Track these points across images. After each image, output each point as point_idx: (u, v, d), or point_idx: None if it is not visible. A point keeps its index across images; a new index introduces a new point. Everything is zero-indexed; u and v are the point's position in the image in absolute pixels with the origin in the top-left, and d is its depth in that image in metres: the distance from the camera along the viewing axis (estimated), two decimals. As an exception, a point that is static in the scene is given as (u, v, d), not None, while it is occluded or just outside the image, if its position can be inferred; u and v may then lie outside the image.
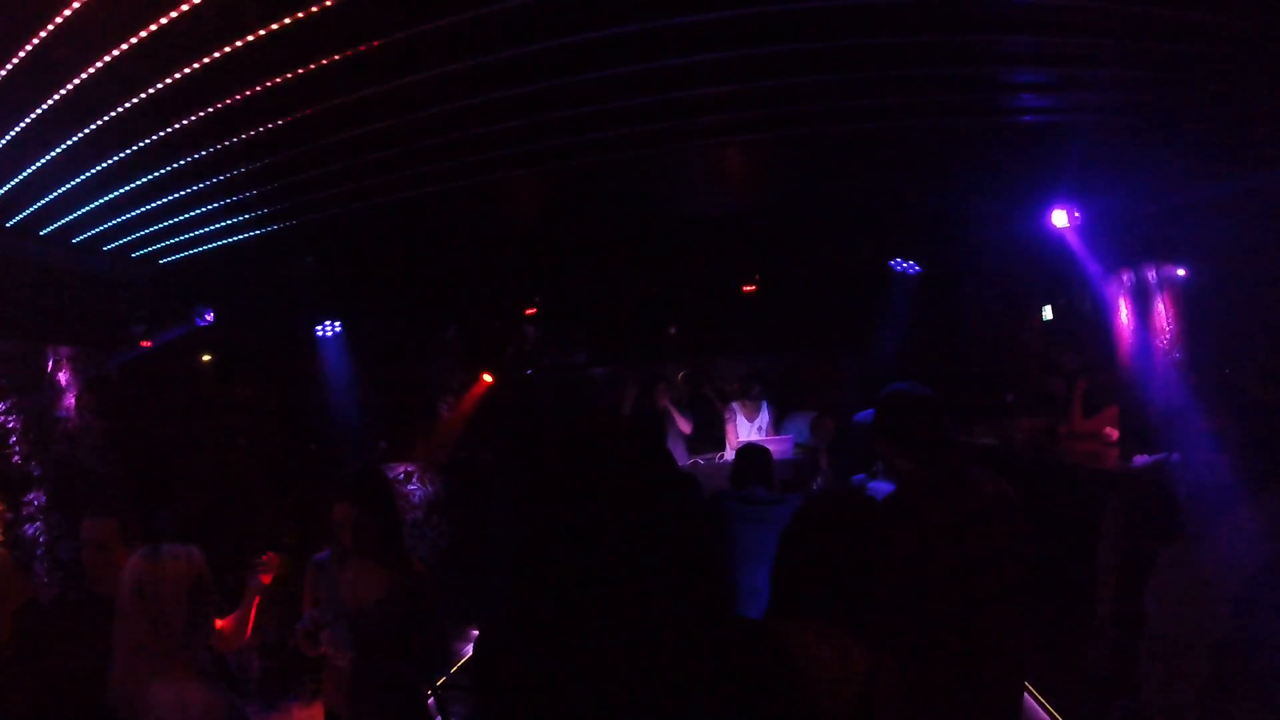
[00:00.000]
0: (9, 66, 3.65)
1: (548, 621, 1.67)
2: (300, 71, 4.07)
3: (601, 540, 1.64)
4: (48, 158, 4.55)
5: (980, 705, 3.57)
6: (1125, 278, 6.18)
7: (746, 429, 9.06)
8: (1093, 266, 6.26)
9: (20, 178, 4.75)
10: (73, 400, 6.33)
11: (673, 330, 11.66)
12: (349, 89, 4.34)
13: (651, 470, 1.75)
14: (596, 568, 1.63)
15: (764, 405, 9.19)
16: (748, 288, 9.55)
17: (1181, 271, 5.89)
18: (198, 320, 6.94)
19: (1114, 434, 7.02)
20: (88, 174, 4.81)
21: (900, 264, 8.81)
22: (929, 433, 3.75)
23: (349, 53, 3.94)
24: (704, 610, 1.69)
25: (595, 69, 4.45)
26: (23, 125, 4.18)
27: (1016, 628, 3.62)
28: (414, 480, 9.37)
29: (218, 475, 7.49)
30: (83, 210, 5.32)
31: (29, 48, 3.54)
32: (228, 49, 3.76)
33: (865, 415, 4.09)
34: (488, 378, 10.41)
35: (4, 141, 4.29)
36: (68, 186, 4.93)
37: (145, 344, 6.84)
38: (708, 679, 1.60)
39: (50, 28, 3.43)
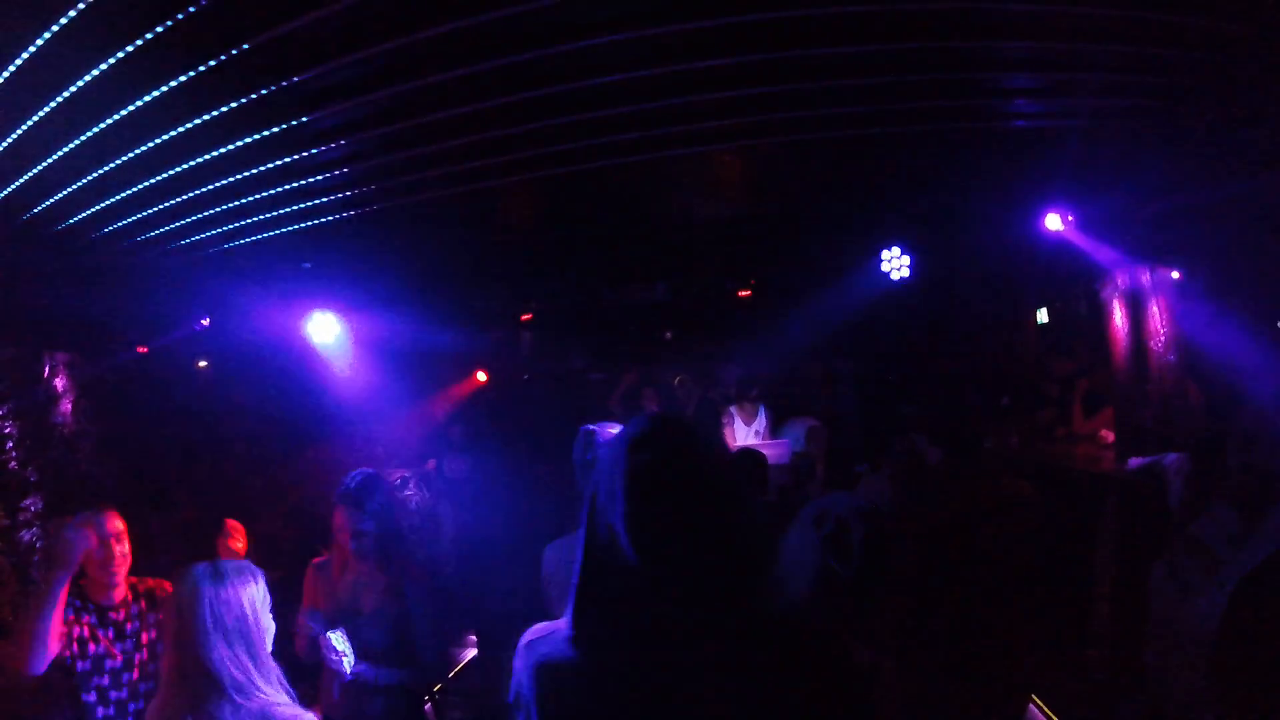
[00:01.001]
0: (10, 68, 3.66)
1: (622, 629, 1.65)
2: (298, 79, 4.08)
3: (682, 545, 1.63)
4: (46, 162, 4.56)
5: (982, 705, 3.58)
6: (1120, 280, 6.19)
7: (744, 433, 9.06)
8: (1087, 269, 6.28)
9: (18, 182, 4.76)
10: (69, 406, 6.32)
11: (669, 335, 11.67)
12: (347, 96, 4.35)
13: (726, 473, 1.74)
14: (674, 573, 1.62)
15: (761, 409, 9.18)
16: (743, 293, 9.57)
17: (1176, 274, 5.91)
18: (194, 325, 6.94)
19: (1110, 436, 7.03)
20: (90, 176, 4.81)
21: (889, 257, 8.76)
22: (962, 427, 3.84)
23: (347, 59, 3.95)
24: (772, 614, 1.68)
25: (590, 76, 4.47)
26: (27, 125, 4.19)
27: (1021, 627, 3.63)
28: (411, 485, 9.36)
29: (214, 480, 7.48)
30: (83, 215, 5.32)
31: (31, 49, 3.55)
32: (223, 55, 3.77)
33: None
34: (481, 376, 10.38)
35: (8, 141, 4.30)
36: (68, 191, 4.94)
37: (141, 349, 6.84)
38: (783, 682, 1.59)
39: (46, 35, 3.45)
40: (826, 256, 9.06)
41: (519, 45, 4.04)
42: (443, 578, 8.83)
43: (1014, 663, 3.67)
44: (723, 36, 4.14)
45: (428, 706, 4.57)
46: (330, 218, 6.03)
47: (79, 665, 3.83)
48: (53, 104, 4.01)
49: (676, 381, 11.42)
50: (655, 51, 4.25)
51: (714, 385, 10.73)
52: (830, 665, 1.66)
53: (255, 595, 2.80)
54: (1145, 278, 6.01)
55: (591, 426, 3.41)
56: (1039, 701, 5.69)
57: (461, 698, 6.68)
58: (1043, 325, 9.26)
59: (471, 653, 7.54)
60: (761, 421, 9.15)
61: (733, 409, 9.25)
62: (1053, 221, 6.12)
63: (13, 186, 4.83)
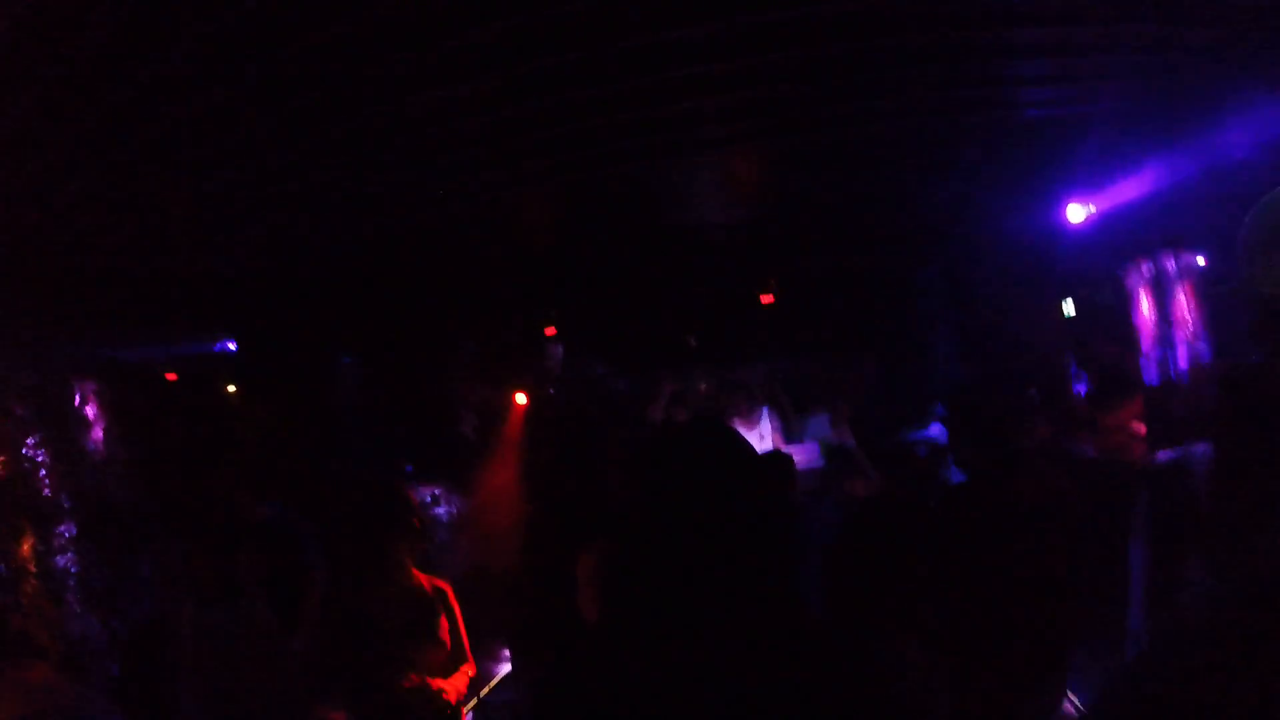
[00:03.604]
0: None
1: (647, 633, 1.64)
2: (311, 95, 4.12)
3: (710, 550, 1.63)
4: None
5: (1022, 699, 3.55)
6: (1145, 268, 6.13)
7: (753, 441, 8.77)
8: (1111, 258, 6.22)
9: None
10: (100, 432, 6.38)
11: (693, 341, 11.61)
12: (362, 112, 4.38)
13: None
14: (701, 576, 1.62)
15: (764, 412, 9.00)
16: (765, 297, 9.47)
17: (1201, 260, 5.83)
18: (218, 346, 6.99)
19: (1141, 428, 6.92)
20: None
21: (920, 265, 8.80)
22: (998, 424, 3.82)
23: (361, 73, 3.98)
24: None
25: (602, 83, 4.48)
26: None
27: (1063, 623, 3.60)
28: (441, 503, 9.37)
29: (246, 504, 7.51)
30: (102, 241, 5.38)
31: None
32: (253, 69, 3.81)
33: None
34: (521, 399, 10.21)
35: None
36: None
37: (171, 376, 6.91)
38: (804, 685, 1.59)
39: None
40: (847, 254, 9.02)
41: (531, 55, 4.07)
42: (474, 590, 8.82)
43: (1050, 657, 3.64)
44: (732, 39, 4.14)
45: (468, 717, 4.59)
46: (347, 236, 6.07)
47: None
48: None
49: (702, 388, 11.39)
50: (666, 56, 4.26)
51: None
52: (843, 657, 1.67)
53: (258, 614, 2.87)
54: (1170, 264, 5.95)
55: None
56: (1074, 698, 5.62)
57: (497, 710, 6.67)
58: (1069, 318, 9.11)
59: (506, 667, 7.53)
60: (766, 425, 8.93)
61: (735, 420, 8.99)
62: (1075, 212, 6.07)
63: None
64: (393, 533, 4.03)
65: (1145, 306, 6.19)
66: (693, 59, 4.33)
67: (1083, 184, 6.02)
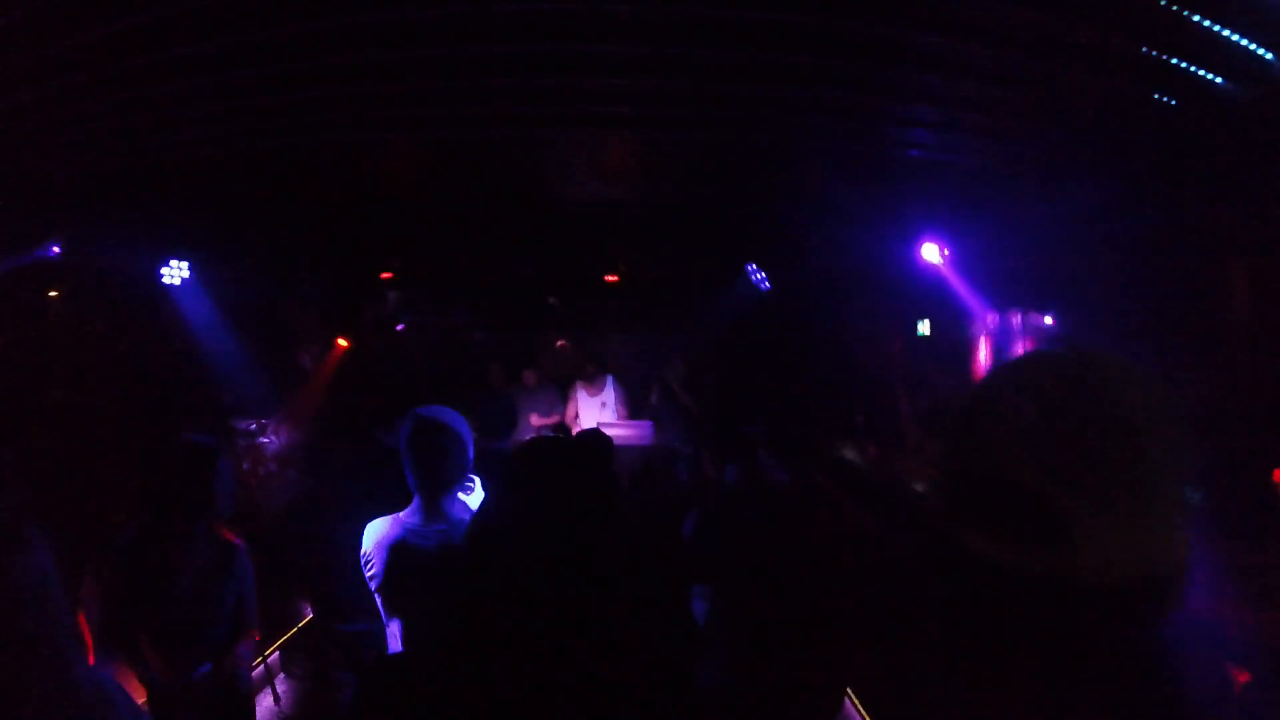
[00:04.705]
0: None
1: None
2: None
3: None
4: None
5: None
6: (990, 321, 6.29)
7: (590, 404, 8.94)
8: (960, 303, 6.35)
9: None
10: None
11: (552, 301, 11.55)
12: (226, 31, 4.11)
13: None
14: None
15: (609, 382, 9.07)
16: (610, 277, 9.52)
17: (1049, 319, 6.01)
18: (44, 250, 6.51)
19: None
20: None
21: (755, 272, 8.96)
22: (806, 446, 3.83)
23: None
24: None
25: (487, 43, 4.31)
26: None
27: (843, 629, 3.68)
28: (268, 433, 9.06)
29: (68, 414, 7.12)
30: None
31: None
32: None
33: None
34: (343, 342, 10.05)
35: None
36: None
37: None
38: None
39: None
40: (699, 251, 9.12)
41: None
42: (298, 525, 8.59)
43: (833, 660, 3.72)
44: (630, 24, 4.06)
45: (258, 670, 4.45)
46: (200, 152, 5.72)
47: None
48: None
49: (558, 345, 11.33)
50: (553, 27, 4.11)
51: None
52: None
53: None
54: (1016, 320, 6.11)
55: (421, 410, 3.24)
56: (857, 701, 5.81)
57: (303, 654, 6.53)
58: (923, 337, 9.29)
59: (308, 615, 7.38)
60: (610, 394, 8.99)
61: (578, 383, 9.09)
62: (929, 252, 6.15)
63: None
64: (194, 487, 3.81)
65: (984, 357, 6.36)
66: (577, 36, 4.19)
67: (944, 226, 6.11)
